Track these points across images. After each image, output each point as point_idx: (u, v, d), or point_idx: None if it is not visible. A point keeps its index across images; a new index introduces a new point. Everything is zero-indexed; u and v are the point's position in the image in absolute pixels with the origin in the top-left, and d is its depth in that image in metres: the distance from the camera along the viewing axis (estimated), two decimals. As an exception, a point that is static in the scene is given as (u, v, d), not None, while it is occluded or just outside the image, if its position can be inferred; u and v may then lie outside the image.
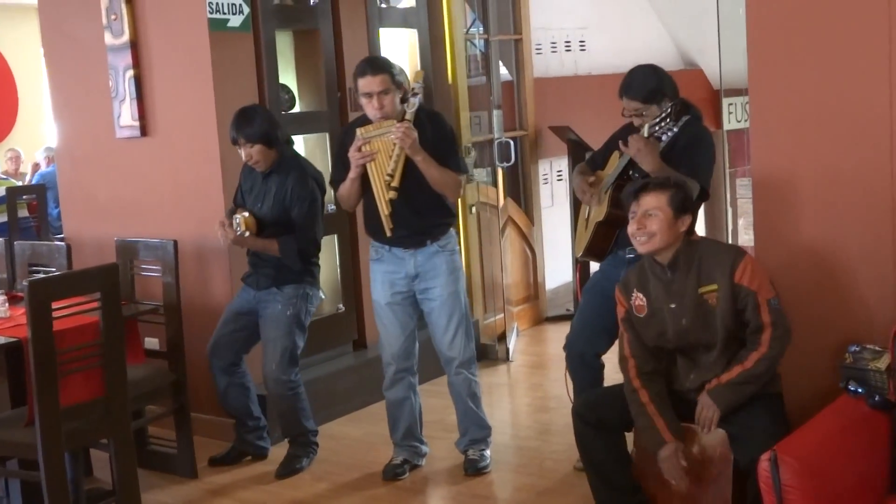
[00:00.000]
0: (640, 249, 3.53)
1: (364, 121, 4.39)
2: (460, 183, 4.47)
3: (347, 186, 4.39)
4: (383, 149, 4.26)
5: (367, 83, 4.26)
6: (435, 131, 4.38)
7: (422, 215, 4.38)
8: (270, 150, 4.58)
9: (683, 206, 3.49)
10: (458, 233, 6.35)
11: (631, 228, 3.53)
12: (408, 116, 4.27)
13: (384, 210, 4.29)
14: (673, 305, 3.52)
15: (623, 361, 3.65)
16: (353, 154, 4.29)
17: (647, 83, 4.10)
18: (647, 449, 3.56)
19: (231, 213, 4.65)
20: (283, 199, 4.59)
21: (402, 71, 4.45)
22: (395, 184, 4.24)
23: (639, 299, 3.61)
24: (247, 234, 4.51)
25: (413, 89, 4.36)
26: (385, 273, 4.49)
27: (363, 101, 4.31)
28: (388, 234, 4.33)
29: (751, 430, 3.34)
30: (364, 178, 4.34)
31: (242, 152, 4.59)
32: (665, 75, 4.17)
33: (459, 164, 4.45)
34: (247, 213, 4.56)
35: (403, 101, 4.33)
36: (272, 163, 4.62)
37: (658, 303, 3.56)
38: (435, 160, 4.29)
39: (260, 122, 4.55)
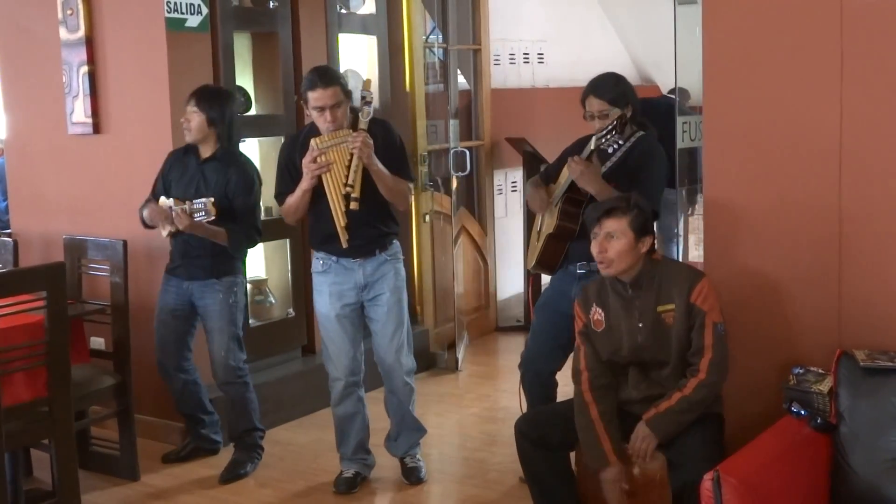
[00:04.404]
0: (603, 272, 3.55)
1: (310, 131, 4.34)
2: (411, 191, 4.49)
3: (298, 198, 4.31)
4: (339, 159, 4.21)
5: (319, 96, 4.19)
6: (385, 138, 4.36)
7: (374, 225, 4.36)
8: (208, 129, 4.58)
9: (644, 228, 3.52)
10: (410, 241, 6.38)
11: (594, 250, 3.55)
12: (362, 125, 4.25)
13: (340, 221, 4.23)
14: (631, 322, 3.55)
15: (577, 374, 3.67)
16: (307, 164, 4.22)
17: (614, 86, 4.16)
18: (588, 464, 3.58)
19: (148, 203, 4.64)
20: (225, 188, 4.57)
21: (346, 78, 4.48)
22: (355, 194, 4.18)
23: (597, 314, 3.63)
24: (212, 217, 4.45)
25: (364, 97, 4.31)
26: (333, 285, 4.42)
27: (314, 113, 4.23)
28: (345, 245, 4.27)
29: (686, 454, 3.37)
30: (314, 190, 4.28)
31: (185, 113, 4.60)
32: (630, 85, 4.24)
33: (409, 173, 4.46)
34: (211, 199, 4.46)
35: (354, 110, 4.30)
36: (204, 140, 4.61)
37: (616, 319, 3.59)
38: (388, 169, 4.29)
39: (218, 104, 4.59)
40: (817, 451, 3.28)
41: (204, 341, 4.79)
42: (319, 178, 4.24)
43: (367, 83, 4.59)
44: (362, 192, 4.22)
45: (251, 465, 4.76)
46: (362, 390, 4.60)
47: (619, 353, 3.58)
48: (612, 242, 3.49)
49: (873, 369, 3.25)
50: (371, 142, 4.19)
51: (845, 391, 3.28)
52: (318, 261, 4.47)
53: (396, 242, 4.52)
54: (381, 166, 4.23)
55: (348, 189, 4.19)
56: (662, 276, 3.54)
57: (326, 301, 4.44)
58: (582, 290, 3.76)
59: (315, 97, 4.20)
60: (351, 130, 4.22)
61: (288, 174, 4.38)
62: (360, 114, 4.27)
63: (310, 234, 4.56)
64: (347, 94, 4.27)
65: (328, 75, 4.27)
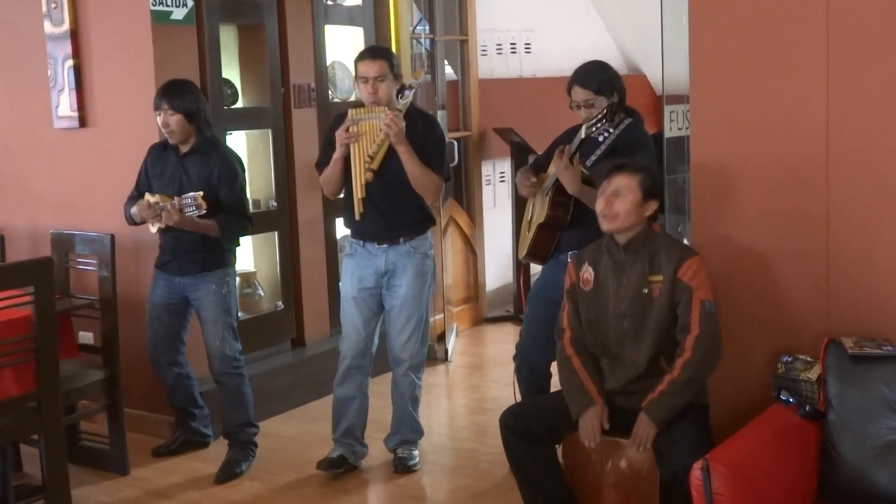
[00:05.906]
0: (605, 227, 3.58)
1: (357, 105, 4.49)
2: (441, 186, 4.53)
3: (330, 168, 4.45)
4: (369, 132, 4.35)
5: (365, 67, 4.38)
6: (426, 131, 4.47)
7: (397, 208, 4.44)
8: (189, 125, 4.55)
9: (652, 192, 3.56)
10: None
11: (599, 206, 3.58)
12: (399, 106, 4.37)
13: (358, 193, 4.36)
14: (618, 287, 3.57)
15: (560, 332, 3.72)
16: (340, 133, 4.37)
17: (599, 75, 4.19)
18: (571, 411, 3.58)
19: (133, 200, 4.63)
20: (208, 180, 4.55)
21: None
22: (373, 166, 4.32)
23: (588, 272, 3.66)
24: (203, 211, 4.43)
25: (409, 84, 4.49)
26: (356, 267, 4.55)
27: (360, 84, 4.43)
28: (358, 217, 4.39)
29: (674, 443, 3.37)
30: (346, 163, 4.40)
31: (160, 119, 4.55)
32: (615, 72, 4.27)
33: (443, 168, 4.51)
34: (200, 193, 4.45)
35: (399, 92, 4.43)
36: (187, 138, 4.58)
37: (605, 280, 3.62)
38: (419, 159, 4.36)
39: (189, 96, 4.55)
40: (806, 438, 3.29)
41: (197, 335, 4.77)
42: (350, 149, 4.37)
43: (418, 72, 4.94)
44: (387, 173, 4.34)
45: (245, 463, 4.72)
46: (367, 378, 4.65)
47: (603, 317, 3.60)
48: (619, 198, 3.52)
49: (861, 357, 3.26)
50: (402, 123, 4.30)
51: (833, 379, 3.29)
52: (348, 244, 4.63)
53: (428, 237, 4.59)
54: (410, 149, 4.33)
55: (368, 159, 4.31)
56: (657, 246, 3.57)
57: (348, 282, 4.59)
58: (580, 249, 3.80)
59: (361, 67, 4.40)
60: (386, 108, 4.34)
61: (329, 145, 4.52)
62: (398, 96, 4.40)
63: (344, 217, 4.67)
64: (395, 74, 4.42)
65: (377, 50, 4.54)
